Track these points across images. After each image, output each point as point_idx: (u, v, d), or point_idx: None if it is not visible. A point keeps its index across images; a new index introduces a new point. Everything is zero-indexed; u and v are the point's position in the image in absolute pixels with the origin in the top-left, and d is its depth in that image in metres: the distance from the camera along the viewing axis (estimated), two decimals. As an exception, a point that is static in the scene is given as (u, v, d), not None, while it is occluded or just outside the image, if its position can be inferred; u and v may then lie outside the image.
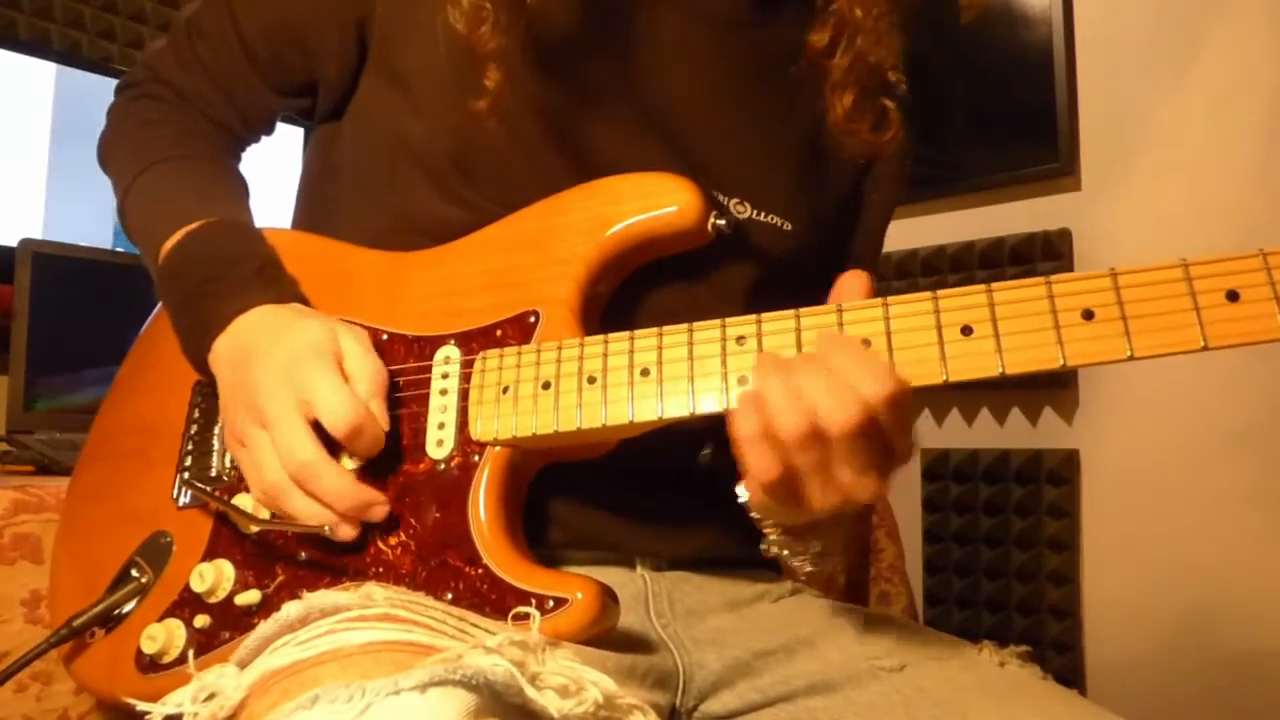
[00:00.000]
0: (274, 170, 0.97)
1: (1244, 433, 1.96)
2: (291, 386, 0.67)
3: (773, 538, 0.71)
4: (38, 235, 1.76)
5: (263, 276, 0.75)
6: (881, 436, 0.58)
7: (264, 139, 0.96)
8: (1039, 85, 2.21)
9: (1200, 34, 2.04)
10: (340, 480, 0.66)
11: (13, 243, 1.55)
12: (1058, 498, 2.17)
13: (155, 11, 2.22)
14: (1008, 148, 2.26)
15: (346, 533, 0.68)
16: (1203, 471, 2.00)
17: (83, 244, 1.64)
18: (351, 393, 0.67)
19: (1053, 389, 2.21)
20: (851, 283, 0.64)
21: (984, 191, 2.30)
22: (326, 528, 0.67)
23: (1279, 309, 0.53)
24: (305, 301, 0.76)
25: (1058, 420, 2.22)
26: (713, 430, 0.86)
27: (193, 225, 0.79)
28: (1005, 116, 2.26)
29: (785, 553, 0.72)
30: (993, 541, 2.26)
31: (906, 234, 2.33)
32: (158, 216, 0.82)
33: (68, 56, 1.99)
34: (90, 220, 1.90)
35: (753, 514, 0.71)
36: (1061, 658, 2.13)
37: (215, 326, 0.73)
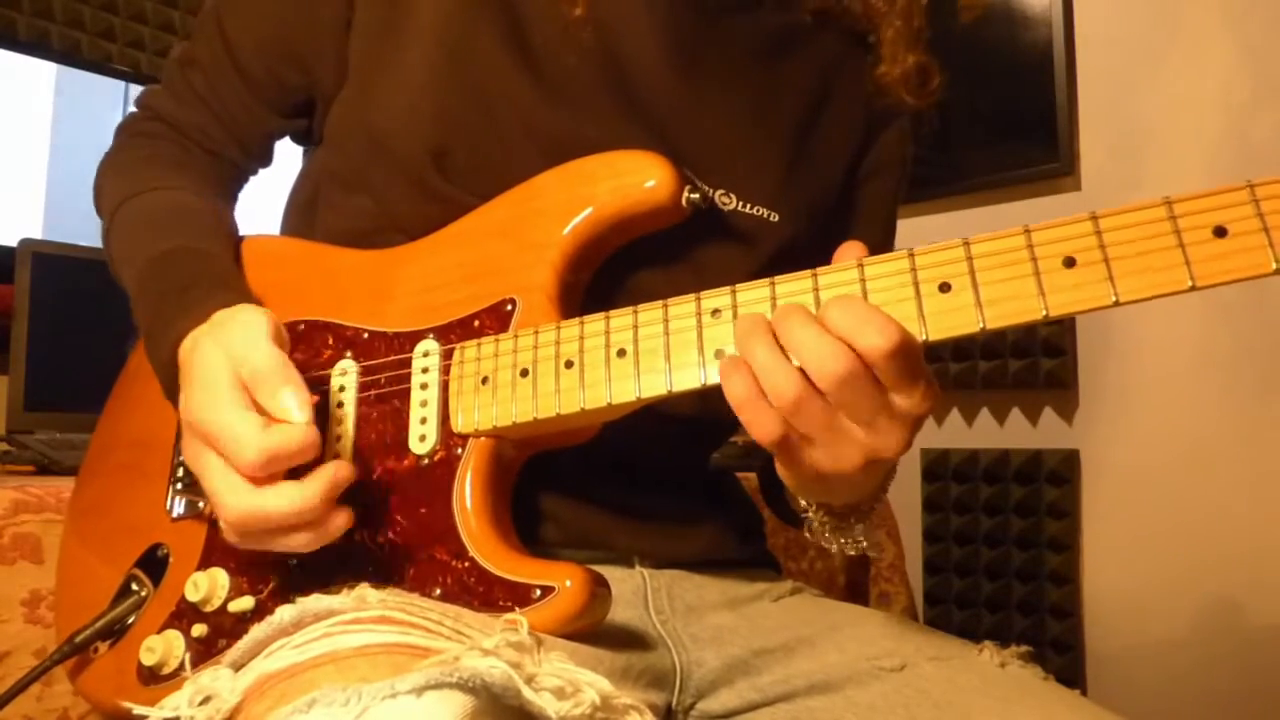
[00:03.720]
0: (275, 178, 0.97)
1: (1244, 432, 1.96)
2: (203, 441, 0.63)
3: (814, 518, 0.71)
4: (38, 235, 1.76)
5: (184, 301, 0.72)
6: (877, 384, 0.56)
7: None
8: (1039, 85, 2.21)
9: (1200, 34, 2.04)
10: (291, 500, 0.61)
11: (13, 243, 1.55)
12: (1058, 498, 2.17)
13: (155, 11, 2.22)
14: (1008, 148, 2.26)
15: (340, 521, 0.64)
16: (1203, 471, 2.00)
17: (83, 244, 1.64)
18: (246, 422, 0.62)
19: (1053, 389, 2.21)
20: (848, 250, 0.60)
21: (984, 191, 2.30)
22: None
23: (1269, 242, 0.50)
24: (249, 299, 0.72)
25: (1058, 420, 2.22)
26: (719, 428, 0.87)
27: (141, 262, 0.77)
28: (1005, 116, 2.26)
29: (827, 534, 0.71)
30: (993, 541, 2.26)
31: (907, 234, 2.31)
32: (126, 253, 0.81)
33: (68, 56, 1.99)
34: (90, 220, 1.90)
35: (802, 502, 0.71)
36: (1062, 658, 2.13)
37: (168, 367, 0.71)
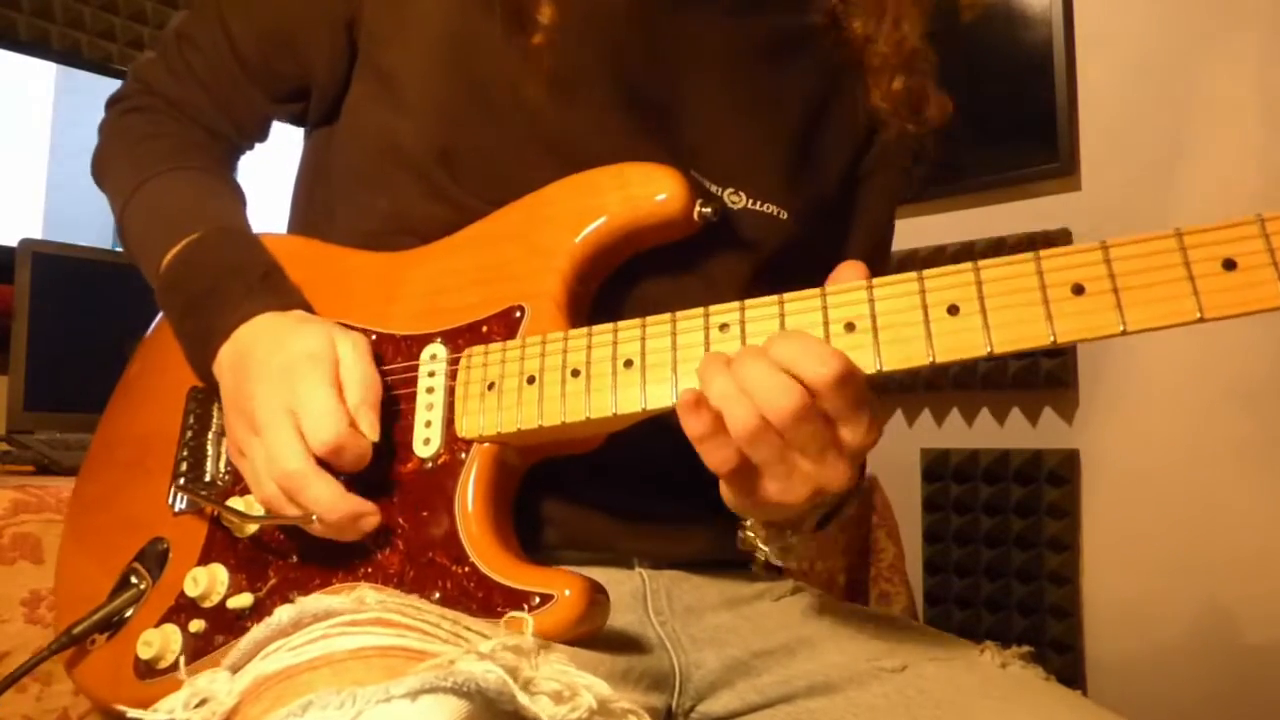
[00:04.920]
0: (276, 173, 0.98)
1: (1244, 433, 1.96)
2: (283, 396, 0.67)
3: (749, 526, 0.71)
4: (38, 235, 1.77)
5: (266, 284, 0.75)
6: (826, 419, 0.57)
7: (259, 145, 0.96)
8: (1039, 85, 2.21)
9: (1200, 34, 2.04)
10: (327, 491, 0.66)
11: (13, 243, 1.56)
12: (1058, 498, 2.17)
13: (155, 11, 2.22)
14: (1008, 148, 2.26)
15: (350, 539, 0.68)
16: (1203, 471, 2.00)
17: (83, 244, 1.64)
18: (338, 407, 0.66)
19: (1053, 389, 2.21)
20: (847, 271, 0.61)
21: (984, 191, 2.30)
22: (314, 517, 0.67)
23: (1278, 276, 0.50)
24: (308, 308, 0.76)
25: (1058, 420, 2.22)
26: None
27: (193, 235, 0.79)
28: (1005, 116, 2.26)
29: (758, 542, 0.72)
30: (993, 541, 2.26)
31: (907, 234, 2.33)
32: (157, 229, 0.82)
33: (68, 56, 2.00)
34: (90, 220, 1.91)
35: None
36: (1061, 658, 2.13)
37: (220, 335, 0.73)
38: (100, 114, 0.95)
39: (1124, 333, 0.53)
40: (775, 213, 0.81)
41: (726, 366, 0.58)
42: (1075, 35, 2.20)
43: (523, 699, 0.42)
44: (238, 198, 0.89)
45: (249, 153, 0.97)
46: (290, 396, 0.67)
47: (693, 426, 0.58)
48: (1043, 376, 2.19)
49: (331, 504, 0.66)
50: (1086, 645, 2.15)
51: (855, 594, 1.73)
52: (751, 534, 0.72)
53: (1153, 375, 2.08)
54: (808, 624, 0.78)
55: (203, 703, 0.45)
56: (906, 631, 0.78)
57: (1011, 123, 2.25)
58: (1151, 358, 2.08)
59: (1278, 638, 1.90)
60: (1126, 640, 2.09)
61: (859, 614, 0.81)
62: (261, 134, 0.94)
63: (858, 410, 0.57)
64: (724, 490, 0.63)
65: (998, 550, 2.25)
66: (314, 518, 0.67)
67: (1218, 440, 1.99)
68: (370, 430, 0.68)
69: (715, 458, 0.59)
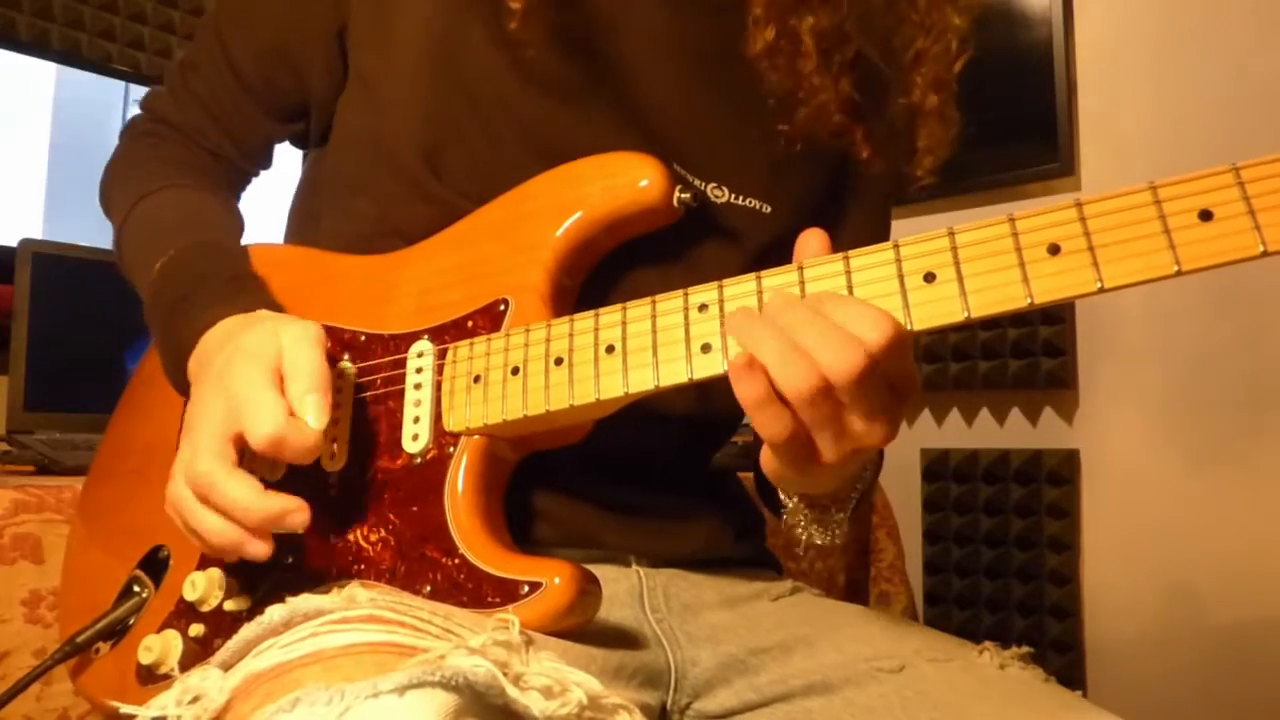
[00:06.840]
0: (280, 188, 0.98)
1: (1243, 432, 1.96)
2: (218, 398, 0.65)
3: (793, 508, 0.71)
4: (38, 235, 1.77)
5: (231, 288, 0.75)
6: (886, 379, 0.56)
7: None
8: (1039, 85, 2.21)
9: (1200, 34, 2.04)
10: (240, 490, 0.62)
11: (13, 243, 1.56)
12: (1058, 498, 2.17)
13: (155, 11, 2.23)
14: (1008, 148, 2.26)
15: (258, 549, 0.63)
16: (1203, 471, 2.00)
17: (83, 244, 1.64)
18: (274, 400, 0.63)
19: (1053, 389, 2.20)
20: (811, 241, 0.61)
21: (984, 191, 2.30)
22: (242, 544, 0.64)
23: (1255, 225, 0.50)
24: (277, 307, 0.75)
25: (1058, 420, 2.22)
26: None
27: (170, 252, 0.79)
28: (1005, 116, 2.26)
29: (811, 526, 0.72)
30: (993, 541, 2.26)
31: (907, 234, 2.32)
32: (144, 247, 0.83)
33: (68, 56, 2.00)
34: (90, 220, 1.91)
35: (781, 495, 0.71)
36: (1062, 658, 2.13)
37: (188, 347, 0.72)
38: (100, 114, 0.96)
39: (1101, 290, 0.52)
40: (758, 207, 0.81)
41: (771, 322, 0.56)
42: (1075, 35, 2.20)
43: (512, 692, 0.42)
44: (229, 214, 0.89)
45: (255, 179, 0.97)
46: (225, 396, 0.65)
47: (748, 391, 0.56)
48: (1043, 376, 2.19)
49: (246, 504, 0.62)
50: (1087, 645, 2.15)
51: (855, 594, 1.73)
52: (790, 519, 0.72)
53: (1153, 375, 2.08)
54: (806, 623, 0.78)
55: (195, 700, 0.45)
56: (905, 632, 0.78)
57: (1011, 123, 2.25)
58: (1152, 358, 2.08)
59: (1278, 638, 1.90)
60: (1127, 640, 2.09)
61: (857, 614, 0.81)
62: (265, 157, 0.95)
63: (908, 370, 0.57)
64: (767, 460, 0.62)
65: (998, 550, 2.25)
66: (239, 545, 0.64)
67: (1217, 440, 1.99)
68: (316, 419, 0.64)
69: (774, 425, 0.57)
